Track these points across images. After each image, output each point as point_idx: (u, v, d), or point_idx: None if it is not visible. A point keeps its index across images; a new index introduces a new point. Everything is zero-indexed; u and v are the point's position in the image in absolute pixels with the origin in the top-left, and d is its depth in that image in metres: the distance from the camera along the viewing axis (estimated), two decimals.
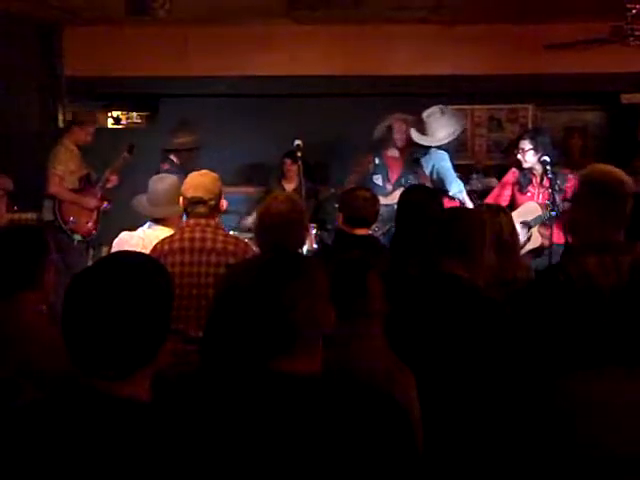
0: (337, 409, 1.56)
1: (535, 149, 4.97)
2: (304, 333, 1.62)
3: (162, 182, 3.77)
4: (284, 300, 1.61)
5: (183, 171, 5.81)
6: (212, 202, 3.27)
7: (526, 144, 5.03)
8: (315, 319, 1.63)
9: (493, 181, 5.71)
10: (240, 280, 1.84)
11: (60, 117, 6.72)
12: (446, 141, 5.44)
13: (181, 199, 3.34)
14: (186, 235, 3.23)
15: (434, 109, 5.48)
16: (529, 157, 5.01)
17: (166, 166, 5.92)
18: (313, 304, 1.63)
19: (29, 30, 6.31)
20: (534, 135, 5.16)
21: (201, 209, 3.25)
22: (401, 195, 3.74)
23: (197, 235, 3.22)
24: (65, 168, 5.73)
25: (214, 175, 3.37)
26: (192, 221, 3.27)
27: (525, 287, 2.79)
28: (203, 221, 3.25)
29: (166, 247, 3.23)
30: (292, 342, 1.61)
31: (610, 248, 2.42)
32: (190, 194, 3.27)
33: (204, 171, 3.38)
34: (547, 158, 4.76)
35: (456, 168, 5.92)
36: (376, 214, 3.62)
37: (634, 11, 5.48)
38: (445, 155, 5.54)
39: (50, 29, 6.59)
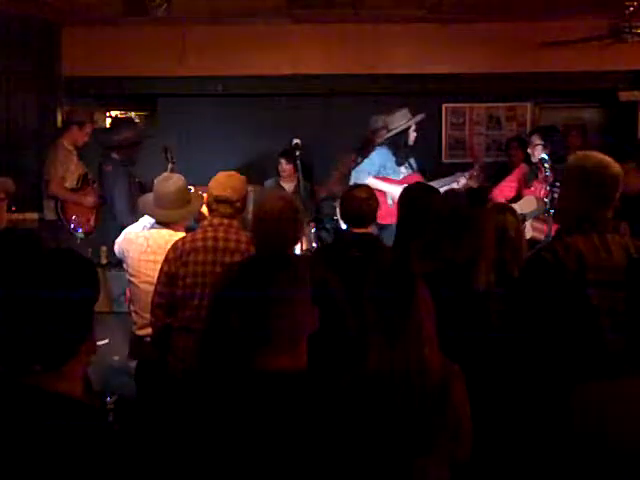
0: (320, 404, 1.58)
1: (544, 145, 5.08)
2: (285, 332, 1.64)
3: (168, 184, 3.69)
4: (265, 299, 1.63)
5: (126, 168, 5.76)
6: (238, 203, 3.27)
7: (537, 139, 5.17)
8: (297, 319, 1.66)
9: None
10: (227, 280, 1.87)
11: (59, 117, 6.72)
12: (396, 131, 5.47)
13: (205, 196, 3.32)
14: (209, 234, 3.22)
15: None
16: (538, 152, 5.09)
17: (109, 167, 5.84)
18: (295, 304, 1.66)
19: (28, 30, 6.31)
20: (546, 131, 5.29)
21: (227, 209, 3.25)
22: (402, 193, 3.77)
23: (220, 235, 3.21)
24: (65, 169, 5.75)
25: (242, 177, 3.37)
26: (216, 220, 3.25)
27: (518, 274, 2.84)
28: (226, 221, 3.24)
29: (188, 245, 3.22)
30: (273, 341, 1.63)
31: (596, 226, 2.55)
32: (217, 192, 3.25)
33: (232, 172, 3.37)
34: (545, 156, 4.78)
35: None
36: (375, 212, 3.64)
37: (632, 8, 5.49)
38: (379, 151, 5.56)
39: (49, 29, 6.58)
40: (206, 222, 3.30)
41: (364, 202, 3.54)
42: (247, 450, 1.54)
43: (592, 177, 2.58)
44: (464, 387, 2.12)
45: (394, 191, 5.19)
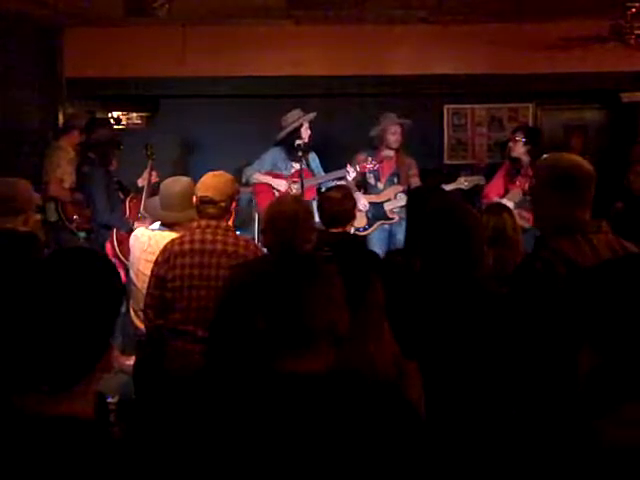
0: (344, 407, 1.55)
1: (526, 142, 5.41)
2: (319, 336, 1.59)
3: (173, 186, 3.67)
4: (301, 303, 1.59)
5: (103, 167, 5.77)
6: (223, 204, 3.23)
7: (520, 135, 5.50)
8: (330, 322, 1.61)
9: (481, 179, 5.76)
10: (252, 281, 1.82)
11: (60, 118, 6.74)
12: (287, 131, 5.72)
13: (194, 197, 3.31)
14: (197, 237, 3.20)
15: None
16: (519, 148, 5.43)
17: (85, 168, 5.86)
18: (329, 307, 1.61)
19: (29, 31, 6.32)
20: (529, 130, 5.69)
21: (211, 210, 3.22)
22: (409, 194, 3.80)
23: (208, 237, 3.19)
24: (64, 171, 5.77)
25: (229, 176, 3.34)
26: (203, 222, 3.23)
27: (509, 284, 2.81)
28: (214, 222, 3.22)
29: (176, 248, 3.20)
30: (306, 344, 1.59)
31: (578, 228, 2.47)
32: (201, 193, 3.24)
33: (220, 172, 3.34)
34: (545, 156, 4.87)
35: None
36: (350, 212, 3.67)
37: (633, 10, 5.49)
38: (271, 150, 5.87)
39: (50, 30, 6.60)
40: (194, 224, 3.28)
41: (337, 202, 3.59)
42: (278, 454, 1.50)
43: (564, 179, 2.49)
44: (419, 385, 2.11)
45: (278, 185, 5.74)
